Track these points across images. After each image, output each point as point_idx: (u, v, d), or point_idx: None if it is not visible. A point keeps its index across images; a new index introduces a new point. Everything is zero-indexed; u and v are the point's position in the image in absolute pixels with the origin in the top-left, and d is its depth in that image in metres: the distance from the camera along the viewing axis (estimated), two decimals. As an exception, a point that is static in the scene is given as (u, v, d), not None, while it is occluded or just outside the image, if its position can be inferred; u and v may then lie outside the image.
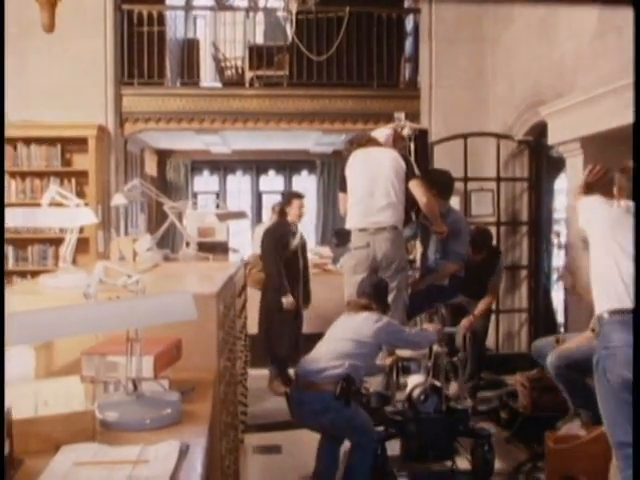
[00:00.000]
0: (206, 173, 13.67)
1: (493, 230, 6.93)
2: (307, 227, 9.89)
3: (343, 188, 5.43)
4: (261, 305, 6.86)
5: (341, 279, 5.48)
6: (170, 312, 1.92)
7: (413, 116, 7.83)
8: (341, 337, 4.27)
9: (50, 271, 5.30)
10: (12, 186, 7.82)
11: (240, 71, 9.44)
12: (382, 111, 7.93)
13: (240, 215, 7.19)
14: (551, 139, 4.22)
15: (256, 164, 13.55)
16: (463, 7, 7.85)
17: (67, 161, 8.02)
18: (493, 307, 6.68)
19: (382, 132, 5.65)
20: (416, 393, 4.52)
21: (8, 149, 7.72)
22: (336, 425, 4.18)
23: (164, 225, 5.72)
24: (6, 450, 1.59)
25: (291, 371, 6.52)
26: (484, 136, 7.29)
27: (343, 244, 5.42)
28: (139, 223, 10.32)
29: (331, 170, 12.91)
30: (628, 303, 3.18)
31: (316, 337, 4.56)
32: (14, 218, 3.59)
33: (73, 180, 7.91)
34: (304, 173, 13.67)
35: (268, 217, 9.63)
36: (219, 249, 5.74)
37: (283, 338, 6.71)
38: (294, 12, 8.83)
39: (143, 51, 8.35)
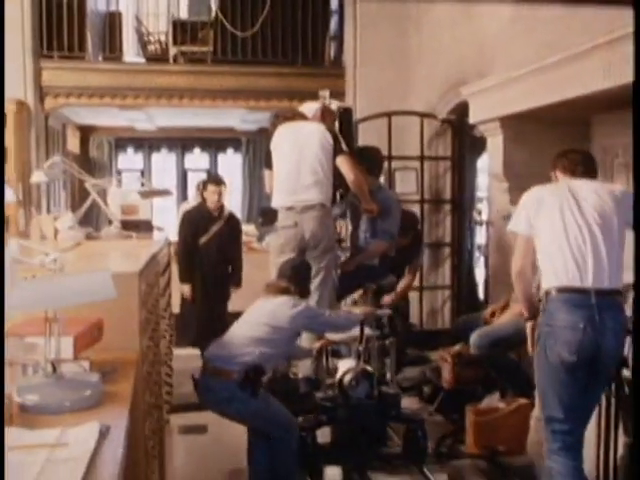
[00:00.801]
0: (130, 151, 13.44)
1: (417, 208, 7.03)
2: (233, 206, 9.80)
3: (269, 164, 5.22)
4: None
5: (266, 257, 5.45)
6: (89, 291, 1.89)
7: (338, 94, 7.80)
8: (256, 321, 4.06)
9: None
10: None
11: (164, 46, 9.26)
12: (307, 89, 7.86)
13: (164, 193, 7.09)
14: (472, 118, 4.29)
15: (181, 142, 13.38)
16: (388, -14, 7.87)
17: (-16, 137, 7.76)
18: (417, 284, 6.76)
19: (310, 106, 5.44)
20: (347, 379, 4.33)
21: None
22: (243, 416, 3.98)
23: (86, 203, 5.62)
24: None
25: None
26: (408, 115, 7.35)
27: (269, 223, 5.26)
28: (61, 201, 10.08)
29: (257, 148, 12.84)
30: (578, 282, 3.17)
31: (239, 316, 4.48)
32: None
33: (-9, 157, 7.67)
34: (230, 151, 13.57)
35: (193, 196, 9.54)
36: (143, 227, 5.68)
37: (192, 323, 6.61)
38: (219, -14, 8.71)
39: (63, 23, 8.10)
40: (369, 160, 5.49)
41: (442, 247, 7.54)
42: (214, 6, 8.94)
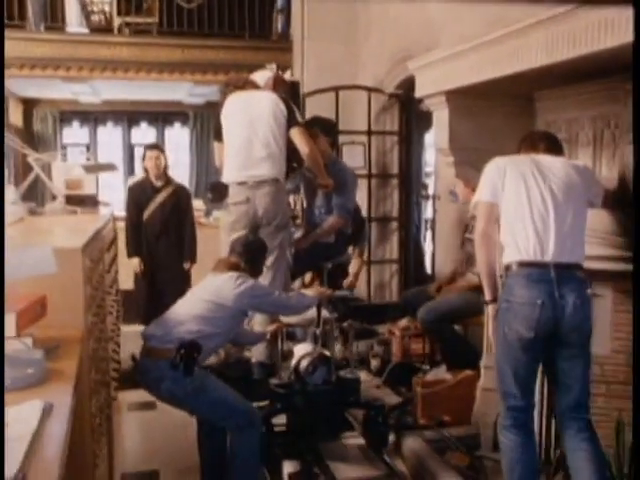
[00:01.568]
0: (76, 124, 13.15)
1: (364, 183, 7.05)
2: (181, 181, 9.69)
3: (218, 137, 4.95)
4: None
5: (214, 232, 5.41)
6: (29, 266, 1.86)
7: (285, 68, 7.79)
8: (198, 298, 3.80)
9: None
10: None
11: (108, 17, 9.09)
12: (254, 62, 7.81)
13: (108, 167, 6.99)
14: (418, 92, 4.31)
15: (127, 115, 13.15)
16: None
17: None
18: (365, 258, 6.80)
19: (262, 75, 5.18)
20: (303, 364, 4.11)
21: None
22: (178, 398, 3.64)
23: (29, 178, 5.52)
24: None
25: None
26: (355, 89, 7.34)
27: (219, 199, 5.01)
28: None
29: (204, 122, 12.71)
30: (538, 256, 3.11)
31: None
32: None
33: None
34: (177, 125, 13.40)
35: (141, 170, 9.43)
36: (88, 202, 5.58)
37: (140, 302, 6.54)
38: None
39: (1, -10, 7.90)
40: (324, 132, 5.34)
41: (390, 221, 7.58)
42: (160, -24, 8.80)
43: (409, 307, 5.41)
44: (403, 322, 5.51)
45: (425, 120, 6.87)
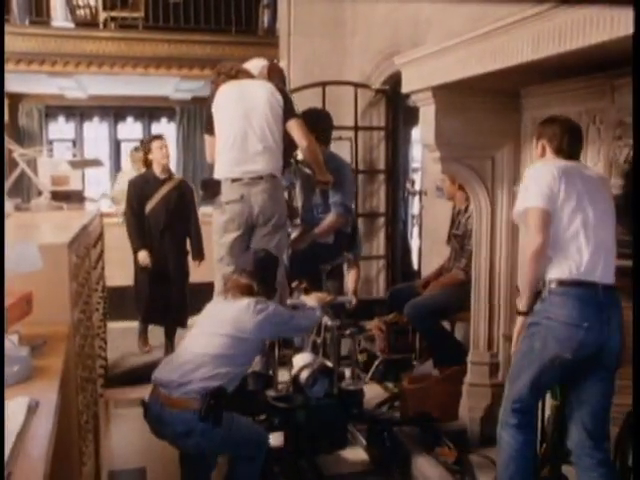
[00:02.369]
0: (62, 120, 13.09)
1: (351, 178, 7.04)
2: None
3: (210, 130, 4.56)
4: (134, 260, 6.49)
5: (203, 227, 5.35)
6: (14, 263, 1.85)
7: (272, 63, 7.77)
8: (213, 332, 3.46)
9: None
10: None
11: (93, 11, 9.04)
12: (241, 57, 7.72)
13: (94, 163, 6.96)
14: (405, 88, 4.29)
15: (114, 110, 13.09)
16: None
17: None
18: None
19: (256, 63, 4.73)
20: (304, 376, 3.87)
21: None
22: (204, 449, 3.43)
23: (14, 173, 5.50)
24: None
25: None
26: (342, 85, 7.33)
27: (211, 197, 4.59)
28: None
29: (191, 117, 12.68)
30: (588, 276, 2.99)
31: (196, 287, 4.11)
32: None
33: None
34: (163, 120, 13.35)
35: (128, 166, 9.38)
36: (74, 198, 5.57)
37: (141, 298, 6.48)
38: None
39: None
40: (321, 126, 5.04)
41: (376, 217, 7.59)
42: (145, -29, 8.77)
43: (396, 303, 5.41)
44: (389, 317, 5.52)
45: (412, 115, 6.87)
